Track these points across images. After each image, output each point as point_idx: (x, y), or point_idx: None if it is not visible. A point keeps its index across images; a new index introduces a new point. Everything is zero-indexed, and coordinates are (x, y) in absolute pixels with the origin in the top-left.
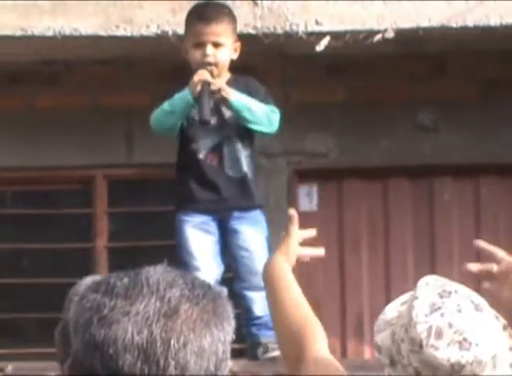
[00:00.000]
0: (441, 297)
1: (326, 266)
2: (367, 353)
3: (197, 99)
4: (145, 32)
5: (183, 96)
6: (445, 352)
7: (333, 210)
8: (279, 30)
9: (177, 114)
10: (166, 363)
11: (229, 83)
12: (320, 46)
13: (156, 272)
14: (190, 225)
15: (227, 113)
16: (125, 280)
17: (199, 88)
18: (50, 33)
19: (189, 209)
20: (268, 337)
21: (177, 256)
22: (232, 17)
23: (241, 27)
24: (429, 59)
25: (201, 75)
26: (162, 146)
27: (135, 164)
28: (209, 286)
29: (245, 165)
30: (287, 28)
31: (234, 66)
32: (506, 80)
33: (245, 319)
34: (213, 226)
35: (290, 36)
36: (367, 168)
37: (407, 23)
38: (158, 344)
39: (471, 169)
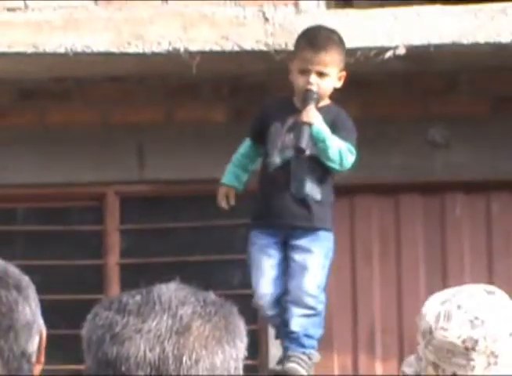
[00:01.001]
0: (454, 295)
1: (338, 281)
2: (379, 370)
3: (299, 127)
4: (156, 49)
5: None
6: (455, 331)
7: (346, 226)
8: (291, 47)
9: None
10: None
11: (322, 110)
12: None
13: (169, 290)
14: (254, 247)
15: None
16: (137, 298)
17: (304, 119)
18: (62, 50)
19: (256, 228)
20: (296, 351)
21: (187, 271)
22: (341, 46)
23: (252, 44)
24: (440, 76)
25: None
26: (174, 162)
27: (147, 180)
28: (221, 303)
29: (308, 187)
30: None
31: (246, 84)
32: None
33: (281, 332)
34: (274, 249)
35: None
36: (379, 184)
37: (418, 40)
38: (170, 361)
39: (483, 185)
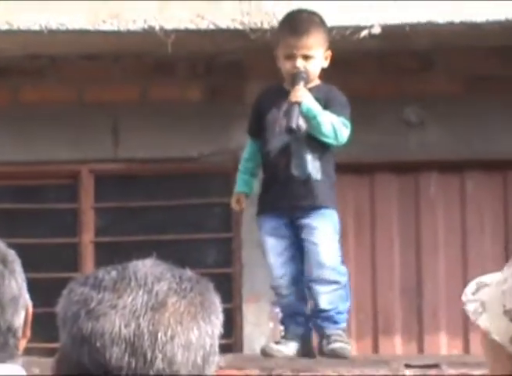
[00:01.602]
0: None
1: None
2: (353, 347)
3: (289, 108)
4: (131, 27)
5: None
6: None
7: None
8: (266, 26)
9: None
10: (153, 355)
11: (313, 89)
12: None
13: (145, 266)
14: (264, 230)
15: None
16: (113, 274)
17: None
18: (36, 27)
19: (262, 213)
20: (332, 329)
21: (161, 250)
22: (323, 27)
23: (228, 23)
24: (415, 55)
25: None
26: (149, 141)
27: (122, 158)
28: (197, 279)
29: (310, 165)
30: (274, 23)
31: (222, 62)
32: (492, 76)
33: (312, 311)
34: (284, 230)
35: None
36: (354, 163)
37: (393, 19)
38: (145, 337)
39: (457, 164)
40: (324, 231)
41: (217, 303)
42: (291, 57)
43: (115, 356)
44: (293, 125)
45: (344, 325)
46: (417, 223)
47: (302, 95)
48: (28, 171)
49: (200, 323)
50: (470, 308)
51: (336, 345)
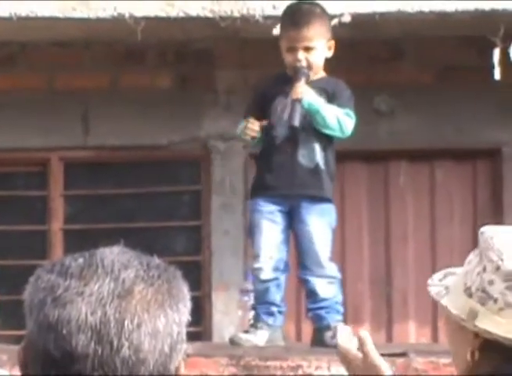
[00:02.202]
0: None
1: None
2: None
3: (291, 104)
4: (101, 14)
5: (239, 131)
6: None
7: None
8: (236, 14)
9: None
10: (119, 343)
11: (316, 83)
12: (277, 30)
13: (112, 254)
14: (258, 214)
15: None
16: (80, 261)
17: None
18: (6, 14)
19: (259, 197)
20: (335, 320)
21: (130, 238)
22: (324, 18)
23: (198, 10)
24: (386, 44)
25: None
26: (119, 128)
27: (91, 146)
28: (165, 267)
29: (318, 155)
30: (244, 12)
31: (192, 50)
32: (461, 65)
33: (311, 303)
34: (279, 216)
35: (247, 20)
36: None
37: (363, 8)
38: (112, 324)
39: (426, 153)
40: (323, 227)
41: (184, 291)
42: (293, 49)
43: (81, 343)
44: (296, 123)
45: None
46: (387, 212)
47: (303, 91)
48: None
49: (167, 311)
50: (434, 290)
51: None
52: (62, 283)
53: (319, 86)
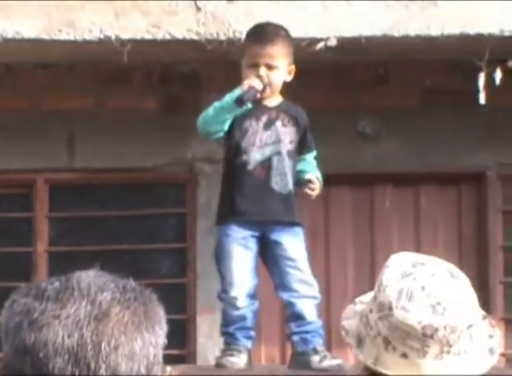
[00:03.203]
0: (414, 266)
1: (266, 276)
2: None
3: (243, 92)
4: (87, 36)
5: (233, 94)
6: (416, 315)
7: None
8: (222, 37)
9: (225, 106)
10: (97, 366)
11: (281, 108)
12: None
13: (88, 277)
14: (231, 239)
15: (281, 129)
16: (56, 284)
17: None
18: None
19: (230, 222)
20: (320, 344)
21: (116, 260)
22: (288, 40)
23: (184, 33)
24: (371, 68)
25: (253, 82)
26: (104, 151)
27: (77, 168)
28: (140, 290)
29: (291, 182)
30: (230, 34)
31: (177, 72)
32: (446, 89)
33: (296, 326)
34: (252, 242)
35: (233, 42)
36: None
37: (349, 32)
38: (89, 347)
39: (411, 178)
40: (300, 248)
41: (161, 313)
42: (255, 66)
43: (58, 366)
44: (242, 97)
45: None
46: (372, 236)
47: (317, 186)
48: None
49: (143, 334)
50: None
51: (334, 362)
52: (38, 307)
53: (282, 110)
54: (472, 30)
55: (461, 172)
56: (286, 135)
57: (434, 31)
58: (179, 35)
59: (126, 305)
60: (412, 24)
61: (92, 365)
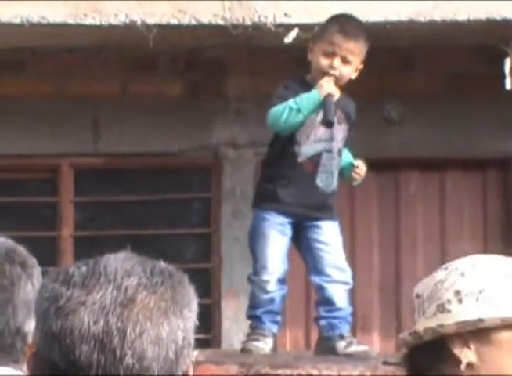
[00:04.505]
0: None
1: (292, 261)
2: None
3: (324, 101)
4: (113, 21)
5: (311, 97)
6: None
7: None
8: (248, 22)
9: (304, 113)
10: (122, 352)
11: (339, 104)
12: (289, 38)
13: (116, 261)
14: (268, 224)
15: (336, 127)
16: (83, 269)
17: (326, 92)
18: (17, 20)
19: (269, 208)
20: (346, 330)
21: (141, 245)
22: (367, 40)
23: (210, 18)
24: (397, 53)
25: (328, 82)
26: (129, 135)
27: (102, 153)
28: (169, 272)
29: (336, 182)
30: (256, 20)
31: (203, 58)
32: (472, 74)
33: (325, 311)
34: (288, 228)
35: (258, 27)
36: None
37: (375, 17)
38: (114, 333)
39: (437, 163)
40: (334, 233)
41: (190, 296)
42: (330, 55)
43: (84, 353)
44: (331, 118)
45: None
46: (397, 221)
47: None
48: (8, 165)
49: (170, 318)
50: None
51: (360, 348)
52: (65, 293)
53: (339, 107)
54: (498, 15)
55: (486, 158)
56: (340, 132)
57: (460, 17)
58: (205, 20)
59: (153, 290)
60: (438, 10)
61: (118, 351)
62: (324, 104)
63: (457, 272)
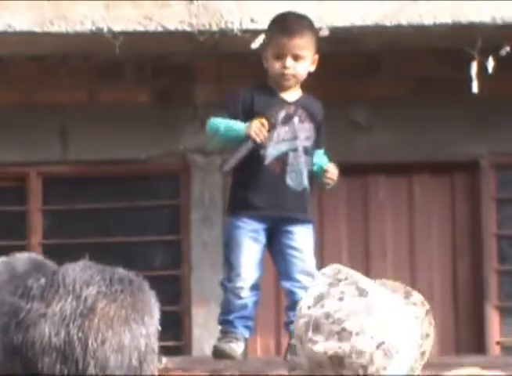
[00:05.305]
0: (331, 286)
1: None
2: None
3: (241, 142)
4: (79, 28)
5: (238, 131)
6: (322, 345)
7: None
8: (215, 28)
9: (227, 143)
10: (85, 362)
11: (300, 103)
12: (255, 44)
13: (74, 271)
14: (242, 231)
15: (298, 126)
16: (42, 281)
17: (250, 134)
18: None
19: (242, 215)
20: None
21: (110, 252)
22: (313, 30)
23: (176, 24)
24: (363, 57)
25: (258, 126)
26: (97, 142)
27: (70, 161)
28: (129, 280)
29: (306, 180)
30: (222, 26)
31: (170, 64)
32: (439, 78)
33: (295, 316)
34: (262, 235)
35: (225, 33)
36: None
37: (341, 22)
38: (76, 344)
39: (405, 167)
40: (306, 239)
41: (151, 302)
42: (281, 57)
43: (47, 365)
44: (225, 168)
45: None
46: (365, 226)
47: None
48: None
49: (132, 326)
50: None
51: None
52: (24, 306)
53: (300, 106)
54: (464, 18)
55: (454, 161)
56: (303, 131)
57: (426, 20)
58: (171, 27)
59: (112, 298)
60: (404, 14)
61: (81, 362)
62: (240, 145)
63: None
